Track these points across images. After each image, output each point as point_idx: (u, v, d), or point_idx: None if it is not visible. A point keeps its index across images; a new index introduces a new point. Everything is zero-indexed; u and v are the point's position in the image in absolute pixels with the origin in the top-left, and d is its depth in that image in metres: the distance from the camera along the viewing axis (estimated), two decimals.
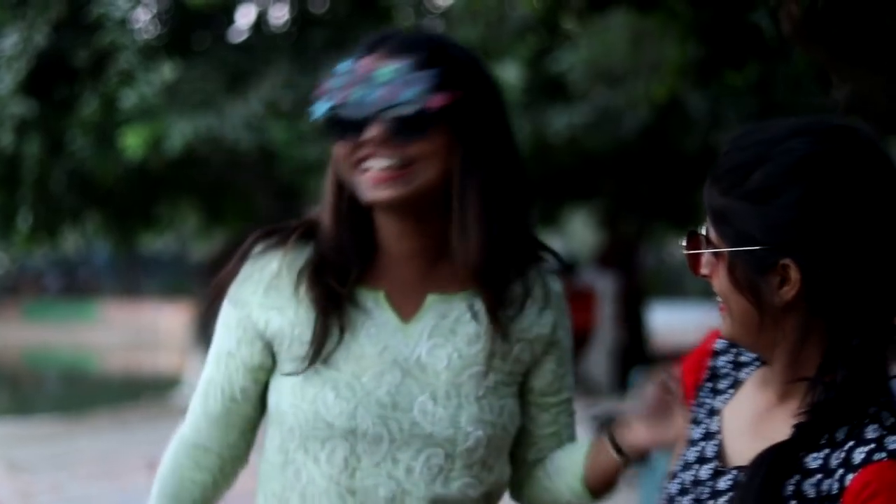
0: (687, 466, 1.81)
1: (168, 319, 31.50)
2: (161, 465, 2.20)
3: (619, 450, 2.09)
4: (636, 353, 16.22)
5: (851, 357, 1.65)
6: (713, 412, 1.83)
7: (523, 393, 2.16)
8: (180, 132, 11.93)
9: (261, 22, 13.86)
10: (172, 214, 17.82)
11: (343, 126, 2.04)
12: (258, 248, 2.14)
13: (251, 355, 2.13)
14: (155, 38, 13.03)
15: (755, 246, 1.66)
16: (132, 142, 11.89)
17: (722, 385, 1.84)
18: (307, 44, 13.02)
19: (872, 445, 1.61)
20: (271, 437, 2.13)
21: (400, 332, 2.08)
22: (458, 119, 2.04)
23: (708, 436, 1.81)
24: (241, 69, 12.60)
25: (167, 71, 12.17)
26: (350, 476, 2.05)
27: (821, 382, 1.66)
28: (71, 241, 22.01)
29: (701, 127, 12.18)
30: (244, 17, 14.12)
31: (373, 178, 2.02)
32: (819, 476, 1.63)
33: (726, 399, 1.82)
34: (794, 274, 1.65)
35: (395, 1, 12.13)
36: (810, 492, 1.63)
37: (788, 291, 1.66)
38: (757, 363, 1.81)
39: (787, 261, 1.65)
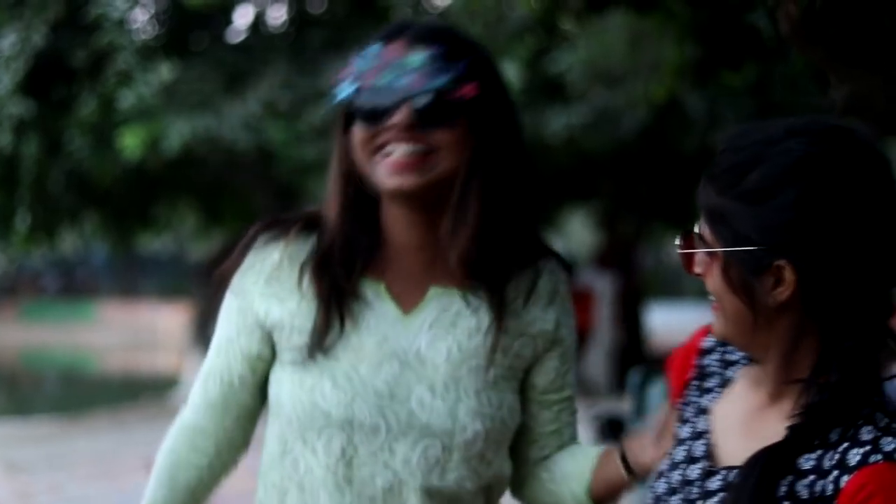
0: (675, 466, 1.80)
1: (166, 320, 31.49)
2: (161, 446, 2.23)
3: (628, 466, 2.09)
4: (634, 354, 16.22)
5: (845, 359, 1.65)
6: (701, 411, 1.82)
7: (525, 390, 2.16)
8: (178, 132, 11.93)
9: (259, 22, 13.87)
10: (170, 215, 17.83)
11: (366, 110, 2.03)
12: (260, 239, 2.15)
13: (250, 344, 2.14)
14: (153, 39, 13.03)
15: (750, 246, 1.66)
16: (130, 142, 11.90)
17: (710, 384, 1.84)
18: (305, 44, 13.02)
19: (868, 447, 1.61)
20: (271, 429, 2.14)
21: (400, 324, 2.08)
22: (476, 113, 2.04)
23: (696, 435, 1.80)
24: (239, 69, 12.61)
25: (165, 71, 12.17)
26: (347, 466, 2.05)
27: (815, 384, 1.66)
28: (69, 242, 22.03)
29: (699, 127, 12.17)
30: (242, 18, 14.15)
31: (394, 163, 2.02)
32: (812, 477, 1.63)
33: (714, 398, 1.82)
34: (788, 275, 1.65)
35: (393, 1, 12.12)
36: (803, 492, 1.63)
37: (783, 292, 1.66)
38: (745, 361, 1.81)
39: (782, 262, 1.65)
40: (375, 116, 2.02)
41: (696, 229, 1.75)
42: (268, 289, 2.12)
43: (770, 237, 1.65)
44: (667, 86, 7.58)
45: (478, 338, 2.08)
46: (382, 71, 2.02)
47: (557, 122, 12.32)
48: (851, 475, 1.60)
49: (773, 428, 1.68)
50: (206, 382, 2.19)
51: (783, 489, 1.63)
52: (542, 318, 2.13)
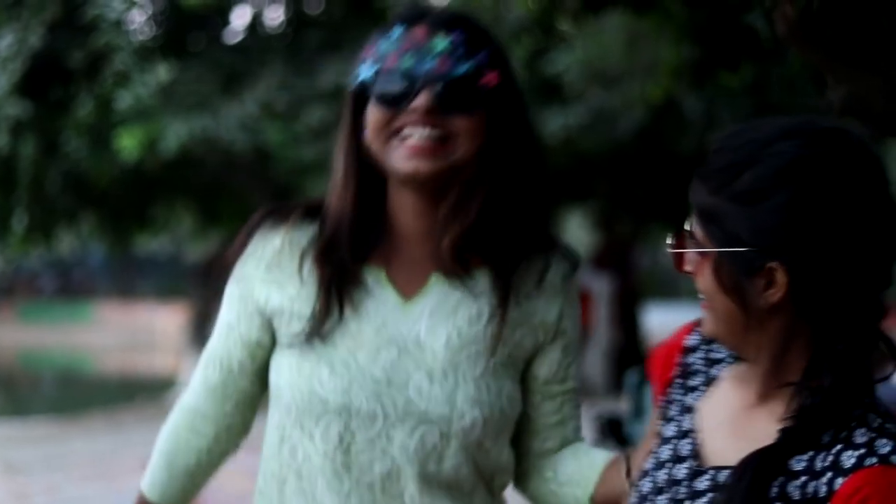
0: (660, 465, 1.79)
1: (163, 321, 31.48)
2: (162, 428, 2.25)
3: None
4: (631, 354, 16.21)
5: (837, 362, 1.64)
6: (686, 409, 1.81)
7: (527, 380, 2.15)
8: (175, 133, 11.93)
9: (256, 23, 13.86)
10: (168, 215, 17.81)
11: (384, 92, 2.03)
12: (263, 225, 2.15)
13: (249, 331, 2.15)
14: (150, 40, 13.02)
15: (742, 247, 1.65)
16: (127, 143, 11.90)
17: (694, 382, 1.83)
18: (302, 45, 13.02)
19: (863, 450, 1.61)
20: (271, 416, 2.14)
21: (399, 311, 2.08)
22: (495, 102, 2.04)
23: (682, 434, 1.79)
24: (237, 70, 12.61)
25: (162, 72, 12.17)
26: (345, 452, 2.05)
27: (806, 387, 1.65)
28: (66, 243, 22.01)
29: (696, 128, 12.18)
30: (239, 19, 14.14)
31: (412, 147, 2.01)
32: (804, 478, 1.62)
33: (699, 396, 1.81)
34: (780, 277, 1.64)
35: (390, 2, 12.11)
36: (795, 493, 1.62)
37: (774, 294, 1.65)
38: (730, 359, 1.80)
39: (773, 264, 1.64)
40: (395, 100, 2.02)
41: (688, 227, 1.74)
42: (268, 275, 2.13)
43: (762, 239, 1.64)
44: (664, 86, 7.57)
45: (478, 325, 2.08)
46: (404, 55, 2.02)
47: (554, 123, 12.32)
48: (846, 478, 1.59)
49: (763, 428, 1.67)
50: (206, 367, 2.21)
51: (774, 490, 1.63)
52: (545, 308, 2.13)
